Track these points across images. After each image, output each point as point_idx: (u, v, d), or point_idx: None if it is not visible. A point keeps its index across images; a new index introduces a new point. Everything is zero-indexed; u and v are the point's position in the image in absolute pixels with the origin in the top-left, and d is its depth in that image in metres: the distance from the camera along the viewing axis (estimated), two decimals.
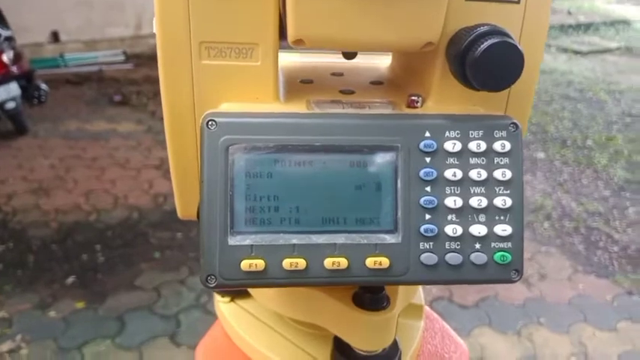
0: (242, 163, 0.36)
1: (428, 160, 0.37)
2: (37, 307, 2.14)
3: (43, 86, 3.99)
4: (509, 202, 0.37)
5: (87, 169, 3.34)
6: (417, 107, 0.41)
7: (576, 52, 6.66)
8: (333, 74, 0.50)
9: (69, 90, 4.90)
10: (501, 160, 0.37)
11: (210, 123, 0.36)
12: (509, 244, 0.37)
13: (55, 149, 3.63)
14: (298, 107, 0.41)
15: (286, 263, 0.36)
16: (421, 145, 0.37)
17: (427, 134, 0.37)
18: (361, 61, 0.53)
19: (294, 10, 0.35)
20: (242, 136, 0.36)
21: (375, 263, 0.37)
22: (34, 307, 2.15)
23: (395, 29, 0.36)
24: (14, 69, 3.68)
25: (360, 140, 0.37)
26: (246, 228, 0.36)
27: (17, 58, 3.77)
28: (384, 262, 0.37)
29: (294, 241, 0.36)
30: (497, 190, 0.37)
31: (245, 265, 0.36)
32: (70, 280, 2.32)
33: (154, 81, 5.13)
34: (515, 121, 0.38)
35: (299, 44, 0.37)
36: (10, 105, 3.66)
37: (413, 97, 0.41)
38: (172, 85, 0.39)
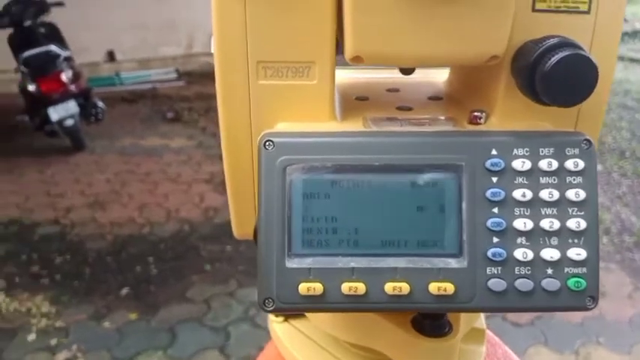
0: (299, 183, 0.35)
1: (495, 179, 0.35)
2: (92, 318, 2.20)
3: (100, 104, 4.13)
4: (583, 224, 0.35)
5: (141, 184, 3.44)
6: (480, 124, 0.39)
7: (633, 60, 6.42)
8: (389, 90, 0.49)
9: (124, 107, 5.07)
10: (574, 180, 0.35)
11: (267, 143, 0.35)
12: (584, 269, 0.35)
13: (111, 165, 3.75)
14: (355, 125, 0.40)
15: (345, 287, 0.35)
16: (487, 163, 0.35)
17: (494, 152, 0.35)
18: (417, 75, 0.52)
19: (352, 27, 0.34)
20: (300, 156, 0.35)
21: (439, 289, 0.35)
22: (90, 317, 2.21)
23: (458, 43, 0.35)
24: (73, 87, 3.84)
25: (421, 159, 0.35)
26: (303, 250, 0.35)
27: (76, 77, 3.93)
28: (449, 288, 0.35)
29: (353, 265, 0.35)
30: (570, 211, 0.35)
31: (303, 288, 0.35)
32: (124, 291, 2.38)
33: (205, 98, 5.28)
34: (588, 137, 0.35)
35: (357, 62, 0.36)
36: (69, 122, 3.81)
37: (476, 114, 0.39)
38: (229, 106, 0.39)
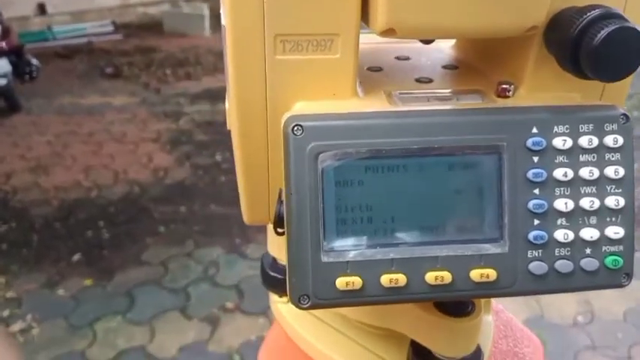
0: (332, 171, 0.33)
1: (536, 159, 0.34)
2: (45, 286, 2.14)
3: (34, 61, 3.91)
4: (621, 201, 0.34)
5: (84, 145, 3.31)
6: (508, 96, 0.38)
7: None
8: (398, 58, 0.46)
9: (59, 64, 4.82)
10: (613, 156, 0.34)
11: (295, 128, 0.33)
12: (621, 247, 0.34)
13: (50, 125, 3.58)
14: (380, 103, 0.37)
15: (385, 280, 0.33)
16: (529, 142, 0.34)
17: (534, 130, 0.34)
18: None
19: None
20: (332, 142, 0.33)
21: (481, 276, 0.34)
22: (42, 286, 2.15)
23: (499, 13, 0.33)
24: (3, 45, 3.60)
25: (458, 140, 0.33)
26: (339, 242, 0.34)
27: (5, 34, 3.69)
28: (491, 274, 0.34)
29: (392, 255, 0.34)
30: (609, 189, 0.34)
31: (341, 283, 0.33)
32: (76, 257, 2.32)
33: (145, 51, 5.07)
34: (625, 111, 0.34)
35: (389, 34, 0.33)
36: (2, 82, 3.59)
37: (504, 86, 0.37)
38: (244, 84, 0.36)
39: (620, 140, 0.34)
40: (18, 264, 2.27)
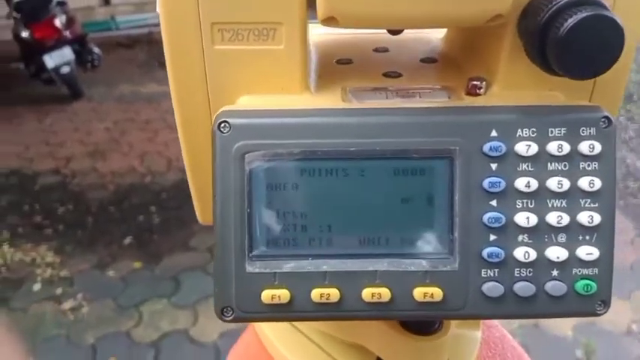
0: (262, 173, 0.30)
1: (494, 166, 0.30)
2: (97, 267, 2.23)
3: (96, 50, 4.05)
4: (597, 218, 0.30)
5: (141, 132, 3.41)
6: (479, 94, 0.33)
7: None
8: (377, 50, 0.43)
9: (121, 53, 4.97)
10: (589, 166, 0.30)
11: (222, 125, 0.30)
12: (595, 270, 0.30)
13: (110, 112, 3.70)
14: (332, 99, 0.34)
15: (316, 294, 0.30)
16: (485, 147, 0.30)
17: (494, 133, 0.30)
18: (411, 31, 0.45)
19: None
20: (261, 141, 0.30)
21: (424, 295, 0.30)
22: (94, 267, 2.23)
23: (453, 0, 0.29)
24: (67, 33, 3.75)
25: (407, 143, 0.30)
26: (267, 251, 0.30)
27: (70, 23, 3.84)
28: (437, 293, 0.30)
29: (325, 268, 0.30)
30: (582, 203, 0.30)
31: (267, 296, 0.30)
32: (127, 240, 2.39)
33: None
34: (607, 113, 0.30)
35: (331, 23, 0.30)
36: (65, 69, 3.74)
37: (474, 82, 0.33)
38: (182, 76, 0.33)
39: (598, 147, 0.30)
40: (72, 245, 2.37)
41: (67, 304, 2.02)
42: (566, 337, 1.83)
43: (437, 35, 0.46)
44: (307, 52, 0.33)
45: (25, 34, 3.65)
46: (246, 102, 0.33)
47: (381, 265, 0.30)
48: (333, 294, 0.30)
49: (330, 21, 0.30)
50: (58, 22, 3.68)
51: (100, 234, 2.45)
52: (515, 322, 1.85)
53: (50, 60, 3.65)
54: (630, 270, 2.14)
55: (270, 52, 0.32)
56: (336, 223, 0.31)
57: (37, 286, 2.12)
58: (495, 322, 0.55)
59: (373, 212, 0.31)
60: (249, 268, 0.30)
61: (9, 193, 2.79)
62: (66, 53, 3.71)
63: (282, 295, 0.30)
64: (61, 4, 3.85)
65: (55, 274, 2.18)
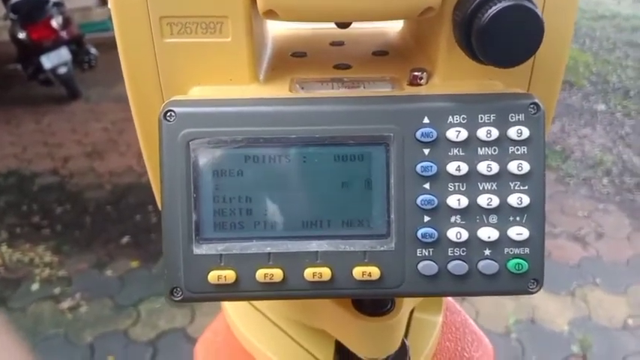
0: (207, 160, 0.32)
1: (426, 151, 0.31)
2: (95, 267, 2.23)
3: (93, 50, 4.05)
4: (526, 199, 0.31)
5: None
6: (420, 84, 0.35)
7: None
8: (333, 44, 0.44)
9: (117, 54, 4.97)
10: (517, 150, 0.31)
11: (168, 114, 0.31)
12: (527, 250, 0.32)
13: (107, 113, 3.71)
14: (280, 89, 0.36)
15: (260, 274, 0.32)
16: (418, 133, 0.31)
17: (426, 120, 0.31)
18: (370, 26, 0.46)
19: None
20: (205, 129, 0.31)
21: (363, 274, 0.32)
22: (92, 266, 2.24)
23: None
24: (64, 34, 3.75)
25: (346, 130, 0.32)
26: (214, 234, 0.32)
27: (66, 23, 3.84)
28: (374, 272, 0.32)
29: (269, 249, 0.32)
30: (511, 185, 0.31)
31: (213, 277, 0.32)
32: (125, 240, 2.40)
33: None
34: (535, 100, 0.31)
35: (271, 16, 0.31)
36: (62, 70, 3.75)
37: (415, 73, 0.35)
38: (134, 69, 0.34)
39: (526, 132, 0.31)
40: (70, 244, 2.37)
41: (66, 304, 2.03)
42: (562, 332, 1.83)
43: (395, 29, 0.47)
44: (255, 44, 0.35)
45: (21, 35, 3.65)
46: (196, 92, 0.35)
47: (322, 246, 0.32)
48: (277, 274, 0.32)
49: (269, 14, 0.31)
50: (55, 22, 3.69)
51: (98, 233, 2.45)
52: (511, 318, 1.86)
53: (47, 61, 3.65)
54: (626, 265, 2.14)
55: (217, 44, 0.34)
56: (279, 206, 0.32)
57: (35, 286, 2.13)
58: (458, 307, 0.56)
59: (315, 196, 0.32)
60: (196, 251, 0.32)
61: (7, 193, 2.79)
62: (63, 54, 3.72)
63: (228, 275, 0.32)
64: (58, 5, 3.85)
65: (53, 274, 2.19)
